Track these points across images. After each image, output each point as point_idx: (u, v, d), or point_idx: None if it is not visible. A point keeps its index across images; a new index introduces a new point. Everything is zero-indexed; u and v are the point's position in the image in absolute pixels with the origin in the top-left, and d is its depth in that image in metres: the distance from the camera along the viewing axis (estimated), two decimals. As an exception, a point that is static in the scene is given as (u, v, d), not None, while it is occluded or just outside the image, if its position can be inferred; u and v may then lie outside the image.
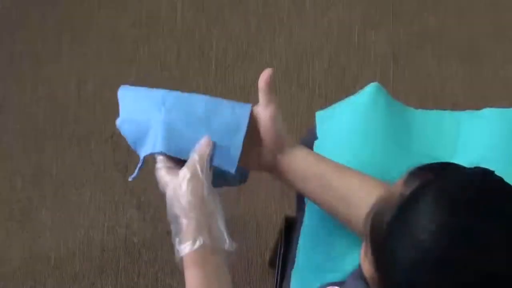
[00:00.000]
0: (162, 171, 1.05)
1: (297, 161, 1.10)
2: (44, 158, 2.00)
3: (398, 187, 0.83)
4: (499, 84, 2.05)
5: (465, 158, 1.28)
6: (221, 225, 1.01)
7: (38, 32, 2.12)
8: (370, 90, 1.31)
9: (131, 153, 1.99)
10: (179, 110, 1.08)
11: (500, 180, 0.82)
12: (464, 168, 0.84)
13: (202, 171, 1.01)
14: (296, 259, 1.25)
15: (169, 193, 1.02)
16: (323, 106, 1.35)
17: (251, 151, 1.09)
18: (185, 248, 0.99)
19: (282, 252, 1.45)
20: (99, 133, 2.01)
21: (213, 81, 2.06)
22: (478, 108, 1.37)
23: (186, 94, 1.11)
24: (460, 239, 0.75)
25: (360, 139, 1.26)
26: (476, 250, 0.75)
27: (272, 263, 1.82)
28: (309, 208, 1.25)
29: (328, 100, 2.02)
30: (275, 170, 1.12)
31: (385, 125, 1.28)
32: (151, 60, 2.09)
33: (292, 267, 1.25)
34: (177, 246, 1.00)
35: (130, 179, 1.09)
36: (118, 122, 1.13)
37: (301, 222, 1.26)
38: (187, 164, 1.02)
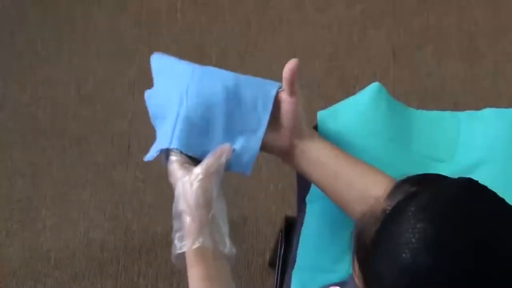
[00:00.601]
0: (175, 165, 1.03)
1: (316, 151, 1.09)
2: (44, 158, 2.00)
3: (382, 202, 0.82)
4: (499, 84, 2.05)
5: (465, 158, 1.28)
6: (223, 229, 1.01)
7: (38, 32, 2.12)
8: (371, 89, 1.31)
9: (131, 153, 2.00)
10: (201, 105, 1.07)
11: (484, 190, 0.80)
12: (447, 179, 0.82)
13: (216, 175, 1.02)
14: (297, 259, 1.25)
15: (178, 188, 1.01)
16: (323, 106, 1.35)
17: (267, 134, 1.09)
18: (185, 245, 0.99)
19: (282, 252, 1.45)
20: (99, 133, 2.01)
21: (213, 81, 2.06)
22: (478, 108, 1.37)
23: (209, 78, 1.11)
24: (443, 257, 0.74)
25: (361, 139, 1.26)
26: (461, 268, 0.74)
27: (272, 263, 1.82)
28: (309, 208, 1.26)
29: (329, 100, 2.01)
30: (288, 155, 1.10)
31: (386, 125, 1.28)
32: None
33: (292, 267, 1.25)
34: (176, 242, 1.00)
35: (145, 159, 1.08)
36: (146, 93, 1.13)
37: (302, 222, 1.26)
38: (202, 164, 1.02)
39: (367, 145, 1.25)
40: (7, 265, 1.91)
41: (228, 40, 2.11)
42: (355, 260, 0.83)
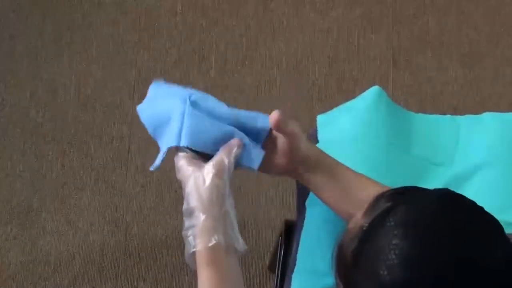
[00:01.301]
0: (184, 160, 1.01)
1: (319, 180, 1.07)
2: (43, 161, 2.00)
3: (360, 218, 0.81)
4: (499, 88, 2.05)
5: (465, 162, 1.28)
6: (235, 225, 0.99)
7: (38, 35, 2.13)
8: (371, 93, 1.31)
9: (130, 157, 2.00)
10: (205, 104, 1.06)
11: (461, 201, 0.80)
12: (423, 191, 0.81)
13: (227, 170, 1.00)
14: (296, 263, 1.25)
15: (190, 184, 0.99)
16: (323, 110, 1.35)
17: (266, 154, 1.07)
18: (200, 243, 0.96)
19: (282, 256, 1.45)
20: (99, 137, 2.01)
21: (213, 85, 2.06)
22: (478, 112, 1.37)
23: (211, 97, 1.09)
24: (419, 273, 0.74)
25: (360, 142, 1.26)
26: (439, 282, 0.73)
27: (272, 267, 1.82)
28: (309, 212, 1.26)
29: (328, 104, 2.02)
30: (293, 177, 1.09)
31: (386, 129, 1.28)
32: (150, 64, 2.09)
33: (292, 271, 1.25)
34: (190, 240, 0.97)
35: (151, 168, 1.06)
36: (138, 107, 1.12)
37: (301, 226, 1.26)
38: (214, 159, 1.00)
39: (367, 149, 1.25)
40: (7, 268, 1.91)
41: (228, 44, 2.11)
42: (337, 277, 0.83)
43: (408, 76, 2.07)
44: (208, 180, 0.98)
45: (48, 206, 1.96)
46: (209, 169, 0.99)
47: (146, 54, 2.10)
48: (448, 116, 1.36)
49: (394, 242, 0.75)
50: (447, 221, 0.76)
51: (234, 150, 1.01)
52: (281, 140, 1.05)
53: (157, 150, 1.85)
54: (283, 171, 1.07)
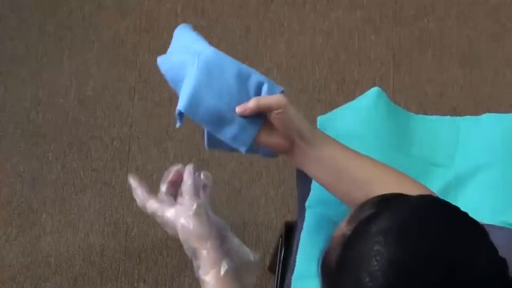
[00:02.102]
0: (165, 214, 1.10)
1: (318, 147, 1.07)
2: (44, 162, 2.00)
3: (343, 225, 0.81)
4: (499, 89, 2.05)
5: (465, 163, 1.28)
6: (235, 243, 1.05)
7: (38, 36, 2.13)
8: (371, 94, 1.31)
9: (131, 158, 2.00)
10: (211, 72, 1.07)
11: (444, 207, 0.80)
12: (407, 198, 0.81)
13: (198, 204, 1.06)
14: (296, 265, 1.25)
15: (180, 233, 1.06)
16: (323, 111, 1.35)
17: (263, 127, 1.07)
18: (213, 276, 1.02)
19: (282, 257, 1.45)
20: (99, 138, 2.02)
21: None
22: (478, 113, 1.37)
23: (221, 57, 1.10)
24: (402, 280, 0.73)
25: (361, 144, 1.26)
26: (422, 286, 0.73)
27: (272, 268, 1.82)
28: (309, 213, 1.26)
29: (329, 105, 2.02)
30: (291, 154, 1.08)
31: (386, 130, 1.28)
32: (151, 65, 2.09)
33: (292, 273, 1.25)
34: (202, 277, 1.03)
35: (176, 126, 1.09)
36: (158, 59, 1.14)
37: (301, 227, 1.27)
38: (181, 203, 1.08)
39: (367, 150, 1.25)
40: (7, 270, 1.91)
41: (228, 45, 2.11)
42: (322, 283, 0.82)
43: (408, 77, 2.07)
44: (191, 222, 1.05)
45: (48, 207, 1.96)
46: (186, 210, 1.06)
47: (146, 55, 2.10)
48: (448, 117, 1.36)
49: (376, 248, 0.74)
50: (429, 228, 0.76)
51: (188, 182, 1.09)
52: (274, 116, 1.05)
53: (157, 152, 1.86)
54: (281, 147, 1.07)
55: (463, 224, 0.78)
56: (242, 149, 1.07)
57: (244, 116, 1.05)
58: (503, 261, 0.78)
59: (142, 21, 2.14)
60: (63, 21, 2.15)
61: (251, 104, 1.05)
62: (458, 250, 0.75)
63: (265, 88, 1.08)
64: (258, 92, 1.08)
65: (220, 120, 1.06)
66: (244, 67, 1.09)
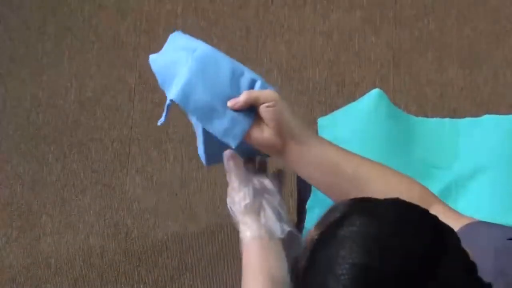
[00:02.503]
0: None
1: (310, 146, 1.07)
2: (44, 164, 2.00)
3: (312, 230, 0.81)
4: (499, 90, 2.05)
5: (465, 165, 1.28)
6: (270, 216, 1.13)
7: (38, 37, 2.13)
8: (372, 96, 1.31)
9: (131, 159, 2.00)
10: (206, 65, 1.09)
11: (412, 210, 0.79)
12: (375, 203, 0.81)
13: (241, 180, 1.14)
14: (296, 266, 1.24)
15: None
16: (323, 112, 1.36)
17: (254, 124, 1.07)
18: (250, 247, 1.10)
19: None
20: (99, 139, 2.01)
21: (213, 87, 2.06)
22: (478, 114, 1.37)
23: (217, 53, 1.13)
24: (368, 285, 0.73)
25: (361, 145, 1.26)
26: None
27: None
28: (310, 215, 1.26)
29: (329, 106, 2.02)
30: (284, 155, 1.09)
31: (386, 132, 1.28)
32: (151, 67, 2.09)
33: (292, 274, 1.25)
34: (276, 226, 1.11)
35: (158, 123, 1.12)
36: (150, 57, 1.17)
37: (302, 229, 1.27)
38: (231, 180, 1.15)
39: (367, 152, 1.25)
40: (7, 271, 1.91)
41: (228, 46, 2.11)
42: None
43: (408, 79, 2.07)
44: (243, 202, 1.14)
45: (49, 209, 1.96)
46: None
47: (146, 56, 2.09)
48: (448, 119, 1.36)
49: (342, 254, 0.75)
50: (395, 232, 0.76)
51: (230, 163, 1.14)
52: (264, 109, 1.05)
53: (157, 154, 1.86)
54: (272, 145, 1.07)
55: (431, 229, 0.77)
56: (232, 144, 1.07)
57: (236, 111, 1.05)
58: (472, 264, 0.77)
59: (142, 22, 2.14)
60: (63, 22, 2.15)
61: (242, 97, 1.05)
62: (423, 259, 0.74)
63: (258, 84, 1.08)
64: (251, 88, 1.08)
65: (211, 112, 1.06)
66: (238, 64, 1.10)
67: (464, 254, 0.77)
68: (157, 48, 2.09)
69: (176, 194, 1.94)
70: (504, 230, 0.97)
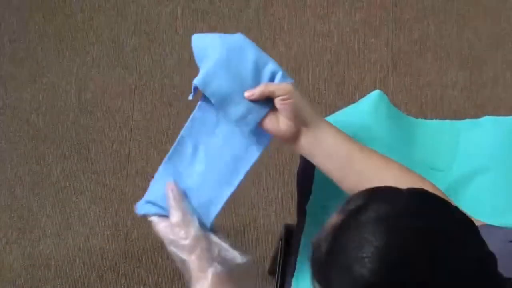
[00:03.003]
0: (159, 226, 1.14)
1: (323, 137, 1.10)
2: (44, 165, 2.00)
3: (334, 217, 0.82)
4: (499, 92, 2.05)
5: (465, 167, 1.28)
6: (224, 245, 1.08)
7: (38, 39, 2.13)
8: (372, 97, 1.31)
9: (131, 161, 2.00)
10: (232, 55, 1.13)
11: (434, 199, 0.80)
12: (397, 190, 0.82)
13: (184, 213, 1.10)
14: (296, 267, 1.25)
15: (168, 246, 1.11)
16: (323, 114, 1.35)
17: (270, 114, 1.10)
18: (204, 283, 1.08)
19: (282, 260, 1.45)
20: (99, 141, 2.02)
21: (213, 89, 2.06)
22: (478, 116, 1.37)
23: (246, 43, 1.16)
24: (390, 267, 0.74)
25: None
26: (405, 274, 0.74)
27: (272, 271, 1.82)
28: (309, 216, 1.26)
29: (329, 108, 2.02)
30: (297, 144, 1.11)
31: (386, 134, 1.28)
32: (151, 68, 2.09)
33: (292, 275, 1.25)
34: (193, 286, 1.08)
35: (189, 97, 1.16)
36: (193, 36, 1.19)
37: (301, 230, 1.27)
38: (171, 214, 1.12)
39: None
40: (7, 273, 1.91)
41: (228, 48, 2.11)
42: (313, 277, 0.83)
43: (408, 80, 2.07)
44: (176, 231, 1.10)
45: (48, 210, 1.96)
46: (168, 223, 1.12)
47: (146, 58, 2.10)
48: (448, 121, 1.36)
49: (365, 236, 0.76)
50: (418, 219, 0.77)
51: (173, 195, 1.13)
52: (279, 102, 1.09)
53: (157, 155, 1.86)
54: (287, 136, 1.10)
55: (453, 216, 0.79)
56: (246, 129, 1.11)
57: (252, 101, 1.09)
58: (490, 255, 0.78)
59: (142, 23, 2.15)
60: (63, 23, 2.15)
61: (258, 89, 1.09)
62: (445, 242, 0.76)
63: (278, 77, 1.13)
64: (271, 80, 1.13)
65: (229, 100, 1.11)
66: (264, 55, 1.15)
67: (482, 243, 0.78)
68: (157, 49, 2.10)
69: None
70: (505, 232, 0.97)
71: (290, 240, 1.38)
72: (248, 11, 2.15)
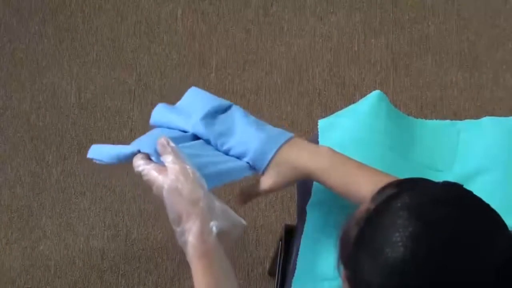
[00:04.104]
0: (153, 172, 1.05)
1: (330, 178, 1.12)
2: (44, 166, 2.00)
3: (366, 204, 0.83)
4: (499, 93, 2.05)
5: (464, 167, 1.28)
6: (219, 204, 1.04)
7: (38, 40, 2.13)
8: (372, 97, 1.31)
9: (131, 161, 2.00)
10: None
11: (468, 192, 0.82)
12: (432, 182, 0.84)
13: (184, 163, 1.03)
14: (297, 268, 1.25)
15: (168, 196, 1.03)
16: (323, 114, 1.35)
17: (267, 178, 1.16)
18: (209, 236, 1.01)
19: (282, 260, 1.45)
20: (99, 141, 2.01)
21: (213, 90, 2.06)
22: (478, 116, 1.37)
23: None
24: (422, 253, 0.75)
25: (361, 147, 1.26)
26: (438, 263, 0.75)
27: (272, 272, 1.82)
28: (310, 216, 1.26)
29: (329, 108, 2.02)
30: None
31: (386, 134, 1.28)
32: (151, 69, 2.09)
33: (292, 276, 1.25)
34: (190, 239, 1.01)
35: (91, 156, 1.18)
36: (156, 109, 1.21)
37: (302, 231, 1.26)
38: (170, 162, 1.03)
39: (367, 154, 1.25)
40: (7, 273, 1.91)
41: (228, 48, 2.11)
42: (340, 261, 0.84)
43: (408, 81, 2.07)
44: (184, 186, 1.01)
45: (49, 211, 1.96)
46: (175, 170, 1.02)
47: (146, 58, 2.11)
48: (447, 121, 1.36)
49: (399, 222, 0.77)
50: (452, 209, 0.78)
51: (163, 145, 1.05)
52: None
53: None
54: (290, 185, 1.15)
55: (484, 209, 0.81)
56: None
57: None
58: None
59: (142, 24, 2.15)
60: (63, 24, 2.15)
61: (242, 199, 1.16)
62: (478, 235, 0.77)
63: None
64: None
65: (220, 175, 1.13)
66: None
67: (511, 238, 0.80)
68: (157, 50, 2.10)
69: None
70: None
71: (290, 240, 1.37)
72: (248, 12, 2.15)
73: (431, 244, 0.76)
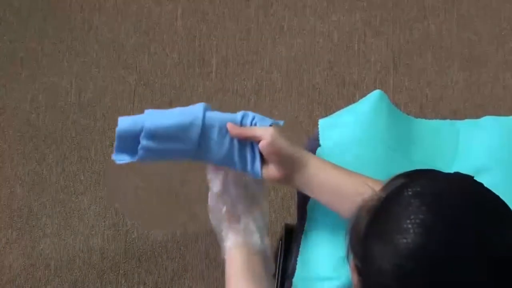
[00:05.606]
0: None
1: (312, 179, 1.12)
2: (44, 165, 2.00)
3: (377, 192, 0.84)
4: (499, 92, 2.05)
5: (464, 167, 1.28)
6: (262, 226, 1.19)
7: (38, 39, 2.13)
8: (373, 97, 1.31)
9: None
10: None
11: (480, 184, 0.82)
12: (443, 173, 0.84)
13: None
14: (297, 267, 1.25)
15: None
16: (323, 114, 1.35)
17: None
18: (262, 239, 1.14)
19: (282, 260, 1.44)
20: (99, 141, 2.02)
21: (213, 89, 2.06)
22: (478, 115, 1.37)
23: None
24: (434, 239, 0.76)
25: (361, 147, 1.26)
26: (450, 249, 0.76)
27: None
28: (310, 216, 1.26)
29: (328, 108, 2.02)
30: (290, 183, 1.14)
31: (386, 134, 1.28)
32: (151, 68, 2.09)
33: (292, 275, 1.25)
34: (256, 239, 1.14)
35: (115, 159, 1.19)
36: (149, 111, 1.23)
37: (302, 231, 1.26)
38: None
39: (367, 153, 1.25)
40: (7, 272, 1.91)
41: (229, 48, 2.11)
42: (350, 250, 0.85)
43: (408, 80, 2.07)
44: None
45: (49, 210, 1.96)
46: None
47: (146, 58, 2.11)
48: (448, 120, 1.36)
49: (410, 209, 0.78)
50: (464, 199, 0.79)
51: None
52: (261, 144, 1.11)
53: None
54: (278, 178, 1.13)
55: (495, 199, 0.81)
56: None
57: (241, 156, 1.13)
58: None
59: (142, 23, 2.15)
60: (63, 23, 2.15)
61: (242, 131, 1.13)
62: (489, 226, 0.77)
63: (255, 120, 1.14)
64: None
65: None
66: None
67: None
68: (157, 49, 2.10)
69: (175, 196, 1.94)
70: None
71: (290, 240, 1.37)
72: (248, 11, 2.15)
73: (442, 232, 0.76)
